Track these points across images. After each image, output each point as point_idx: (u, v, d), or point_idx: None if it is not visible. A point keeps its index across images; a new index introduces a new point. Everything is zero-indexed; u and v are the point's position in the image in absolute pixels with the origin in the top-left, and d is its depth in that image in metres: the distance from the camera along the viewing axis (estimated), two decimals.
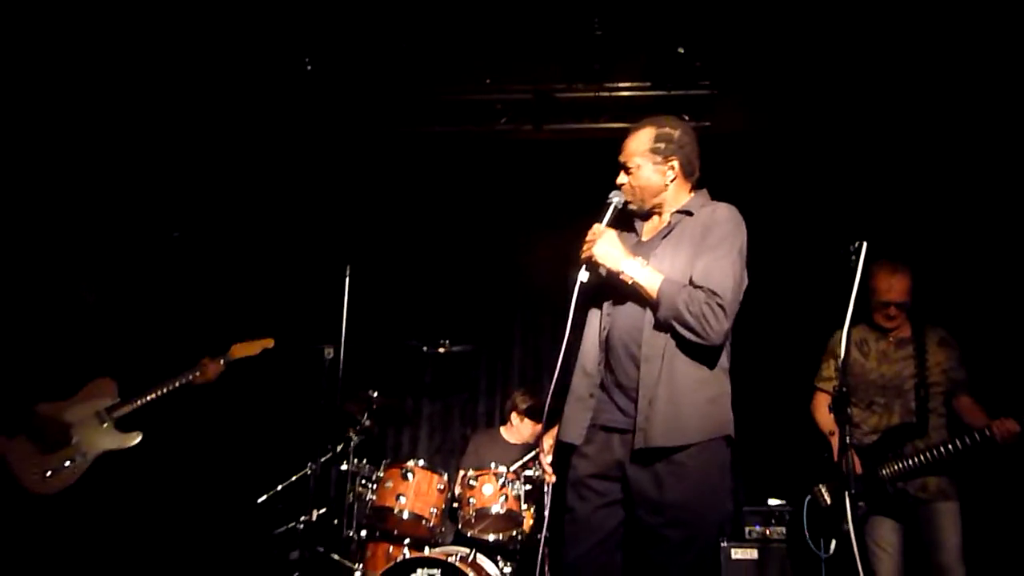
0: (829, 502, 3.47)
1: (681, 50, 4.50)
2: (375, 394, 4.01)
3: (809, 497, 3.54)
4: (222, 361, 3.66)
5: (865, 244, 2.62)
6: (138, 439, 3.50)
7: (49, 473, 3.35)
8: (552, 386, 2.46)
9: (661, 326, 2.35)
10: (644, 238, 2.58)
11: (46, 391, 3.44)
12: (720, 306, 2.30)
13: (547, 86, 4.70)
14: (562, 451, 2.53)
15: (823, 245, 4.09)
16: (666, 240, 2.48)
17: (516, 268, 4.89)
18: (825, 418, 3.59)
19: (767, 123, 4.77)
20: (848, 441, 2.42)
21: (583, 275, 2.42)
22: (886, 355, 3.46)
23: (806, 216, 4.67)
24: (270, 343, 3.74)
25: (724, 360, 2.45)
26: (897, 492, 3.27)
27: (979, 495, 3.44)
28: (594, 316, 2.53)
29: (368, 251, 4.57)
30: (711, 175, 4.93)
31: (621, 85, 4.70)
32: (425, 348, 4.29)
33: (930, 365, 3.38)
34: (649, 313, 2.38)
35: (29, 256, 3.98)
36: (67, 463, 3.38)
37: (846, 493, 2.40)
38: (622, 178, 2.53)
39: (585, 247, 2.43)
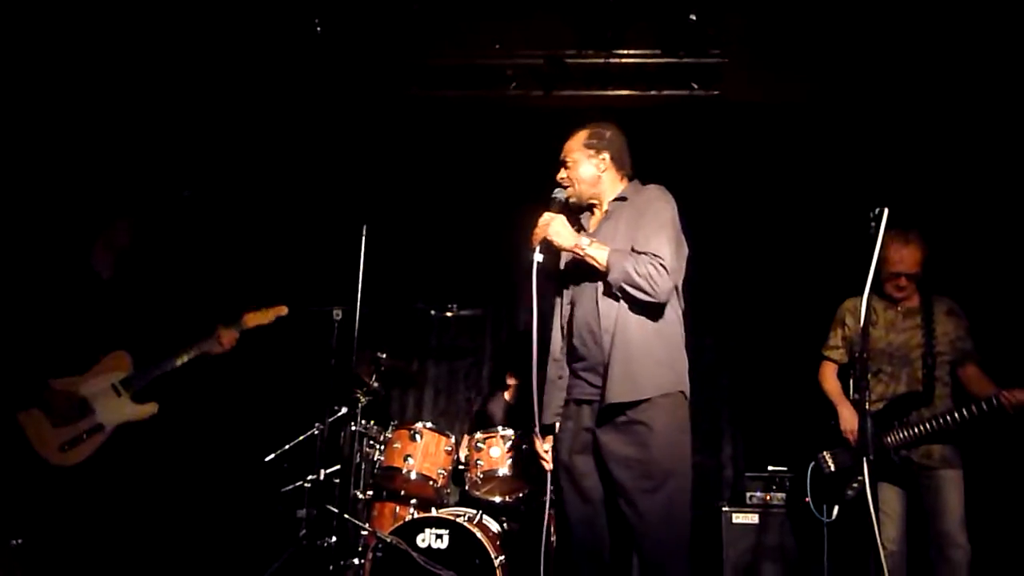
0: (833, 469, 3.53)
1: (693, 17, 4.47)
2: (383, 356, 4.02)
3: (813, 463, 3.60)
4: (235, 330, 3.66)
5: (886, 211, 2.64)
6: (155, 410, 3.54)
7: (66, 446, 3.38)
8: (535, 382, 2.70)
9: (612, 294, 2.64)
10: (589, 228, 2.88)
11: (62, 365, 3.46)
12: (662, 265, 2.60)
13: (558, 52, 4.67)
14: (546, 432, 2.84)
15: (836, 215, 4.14)
16: (606, 223, 2.82)
17: (524, 234, 4.87)
18: (832, 386, 3.64)
19: (777, 92, 4.75)
20: (867, 407, 2.44)
21: (538, 256, 2.72)
22: (894, 324, 3.50)
23: (815, 185, 4.68)
24: (284, 310, 3.74)
25: (676, 323, 2.74)
26: (902, 460, 3.33)
27: (983, 463, 3.50)
28: (556, 306, 2.87)
29: (379, 213, 4.54)
30: (721, 144, 4.96)
31: (631, 52, 4.67)
32: (433, 311, 4.30)
33: (937, 335, 3.41)
34: (603, 287, 2.67)
35: (40, 229, 3.99)
36: (84, 435, 3.41)
37: (864, 458, 2.43)
38: (561, 173, 2.86)
39: (538, 231, 2.73)
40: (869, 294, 3.26)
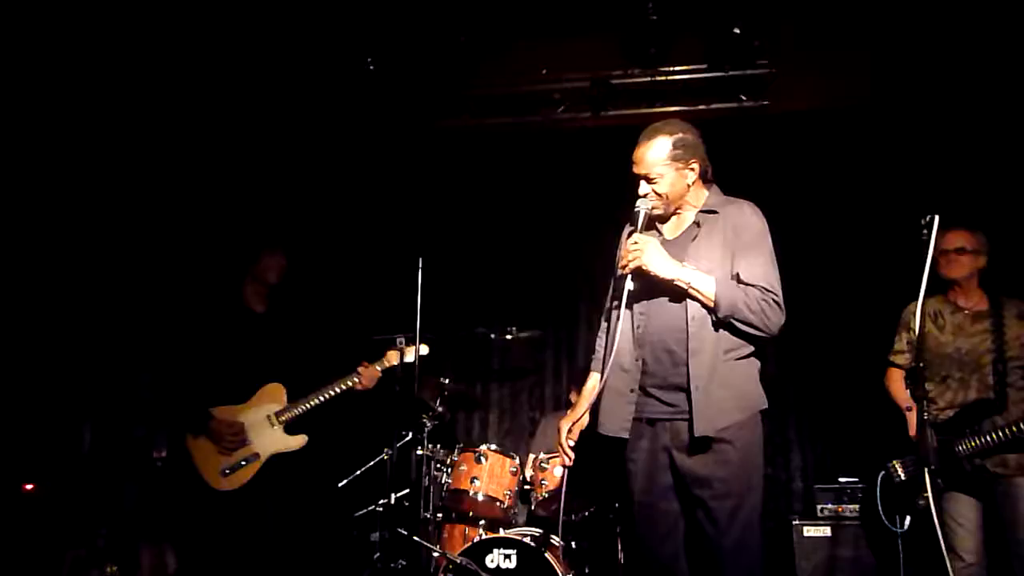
0: (903, 478, 3.46)
1: (737, 30, 4.49)
2: (447, 381, 4.14)
3: (883, 473, 3.53)
4: (378, 367, 3.86)
5: (937, 218, 2.62)
6: (304, 442, 3.78)
7: (228, 471, 3.64)
8: (603, 383, 2.61)
9: (717, 324, 2.50)
10: (668, 236, 2.69)
11: (223, 396, 3.71)
12: (775, 301, 2.49)
13: (603, 72, 4.75)
14: (605, 442, 2.69)
15: (894, 219, 4.07)
16: (697, 239, 2.61)
17: (579, 254, 4.95)
18: (900, 393, 3.57)
19: (826, 101, 4.71)
20: (925, 417, 2.42)
21: (630, 284, 2.53)
22: (961, 328, 3.41)
23: (873, 190, 4.61)
24: (425, 349, 3.91)
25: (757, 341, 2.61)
26: (975, 468, 3.24)
27: None
28: (626, 315, 2.61)
29: (437, 243, 4.69)
30: (769, 154, 4.93)
31: (677, 68, 4.72)
32: (493, 335, 4.40)
33: (1008, 338, 3.31)
34: (692, 310, 2.52)
35: (204, 273, 4.41)
36: (243, 463, 3.66)
37: (925, 469, 2.40)
38: (644, 188, 2.60)
39: (632, 257, 2.52)
40: (923, 301, 3.23)
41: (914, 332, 3.52)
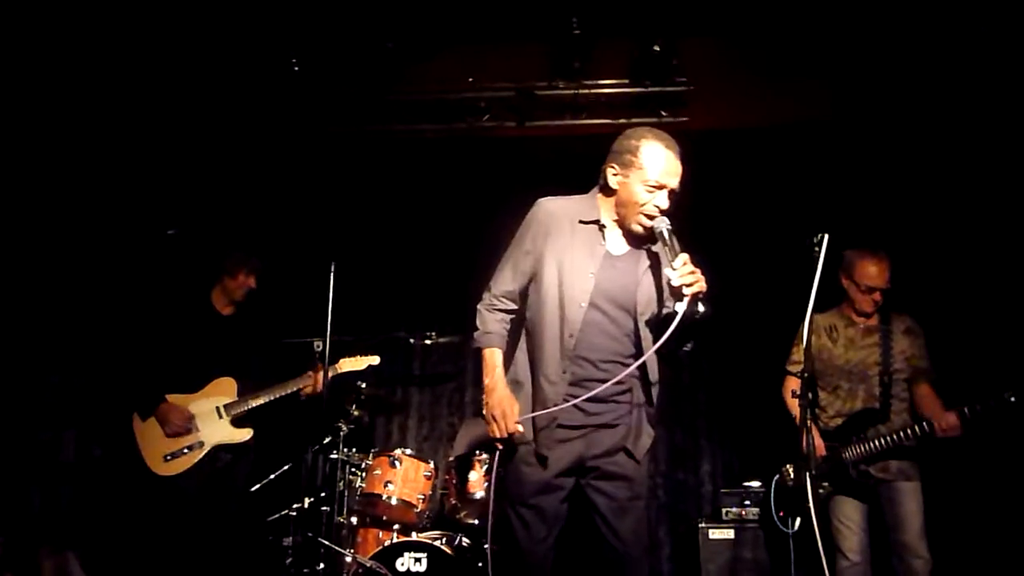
0: (795, 481, 3.63)
1: (657, 48, 4.63)
2: (363, 385, 4.15)
3: (776, 477, 3.70)
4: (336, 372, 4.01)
5: (827, 236, 2.76)
6: (249, 435, 3.90)
7: (169, 457, 3.76)
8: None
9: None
10: (613, 249, 2.62)
11: (176, 383, 3.87)
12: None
13: (529, 83, 4.83)
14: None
15: (791, 237, 4.26)
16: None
17: (498, 260, 5.00)
18: (793, 401, 3.74)
19: (742, 119, 4.89)
20: (808, 423, 2.56)
21: (701, 308, 2.38)
22: (853, 342, 3.60)
23: (778, 209, 4.80)
24: (375, 360, 4.10)
25: None
26: (860, 473, 3.43)
27: (941, 475, 3.60)
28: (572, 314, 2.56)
29: (360, 247, 4.71)
30: (689, 171, 5.08)
31: (600, 82, 4.83)
32: (412, 340, 4.43)
33: (895, 352, 3.52)
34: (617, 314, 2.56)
35: (170, 272, 4.56)
36: (185, 450, 3.78)
37: (806, 473, 2.54)
38: (666, 201, 2.54)
39: (698, 280, 2.38)
40: (820, 314, 3.42)
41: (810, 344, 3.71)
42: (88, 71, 4.56)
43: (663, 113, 4.89)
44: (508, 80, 4.83)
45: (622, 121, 4.91)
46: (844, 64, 4.68)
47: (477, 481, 3.95)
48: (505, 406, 2.53)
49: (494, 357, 2.65)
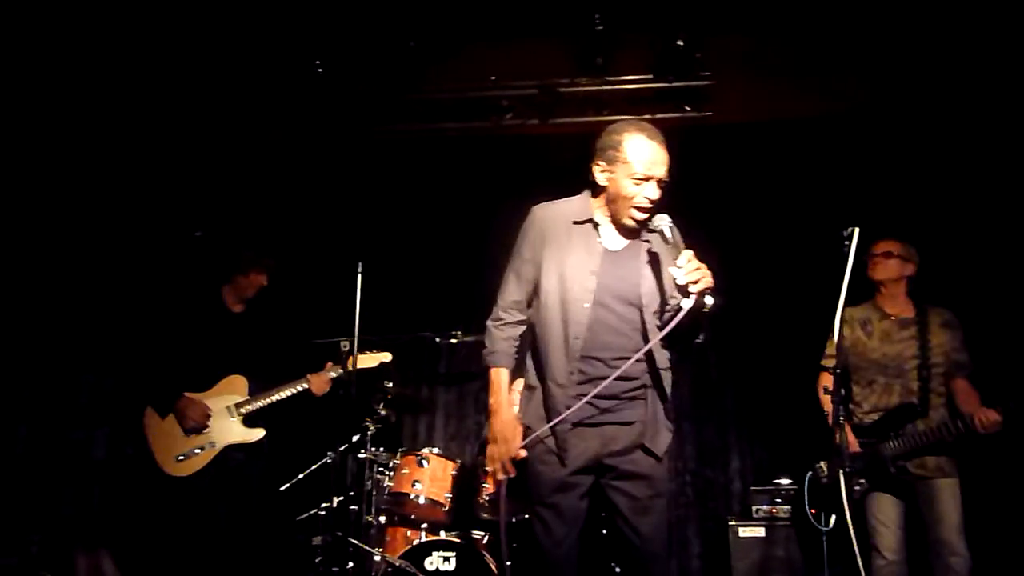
0: (829, 478, 3.57)
1: (680, 42, 4.59)
2: (390, 384, 4.15)
3: (810, 473, 3.65)
4: (332, 374, 3.98)
5: (857, 230, 2.72)
6: (261, 435, 3.86)
7: (181, 457, 3.71)
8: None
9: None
10: (611, 246, 2.61)
11: (187, 381, 3.83)
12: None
13: (551, 80, 4.81)
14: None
15: (819, 231, 4.21)
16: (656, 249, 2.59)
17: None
18: (826, 397, 3.69)
19: (766, 112, 4.84)
20: (840, 419, 2.51)
21: (708, 300, 2.33)
22: (888, 335, 3.53)
23: (805, 203, 4.74)
24: (387, 357, 4.03)
25: None
26: (898, 470, 3.36)
27: (980, 471, 3.53)
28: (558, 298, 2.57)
29: (386, 247, 4.71)
30: (712, 164, 5.05)
31: (623, 78, 4.80)
32: (438, 339, 4.43)
33: (932, 346, 3.44)
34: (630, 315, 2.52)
35: (191, 271, 4.52)
36: (197, 450, 3.73)
37: (840, 471, 2.50)
38: (656, 192, 2.49)
39: (704, 276, 2.34)
40: (853, 308, 3.37)
41: (845, 337, 3.65)
42: (116, 75, 4.62)
43: (687, 108, 4.85)
44: (531, 78, 4.82)
45: (646, 116, 4.89)
46: (869, 56, 4.61)
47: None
48: (507, 432, 2.53)
49: (500, 377, 2.64)
